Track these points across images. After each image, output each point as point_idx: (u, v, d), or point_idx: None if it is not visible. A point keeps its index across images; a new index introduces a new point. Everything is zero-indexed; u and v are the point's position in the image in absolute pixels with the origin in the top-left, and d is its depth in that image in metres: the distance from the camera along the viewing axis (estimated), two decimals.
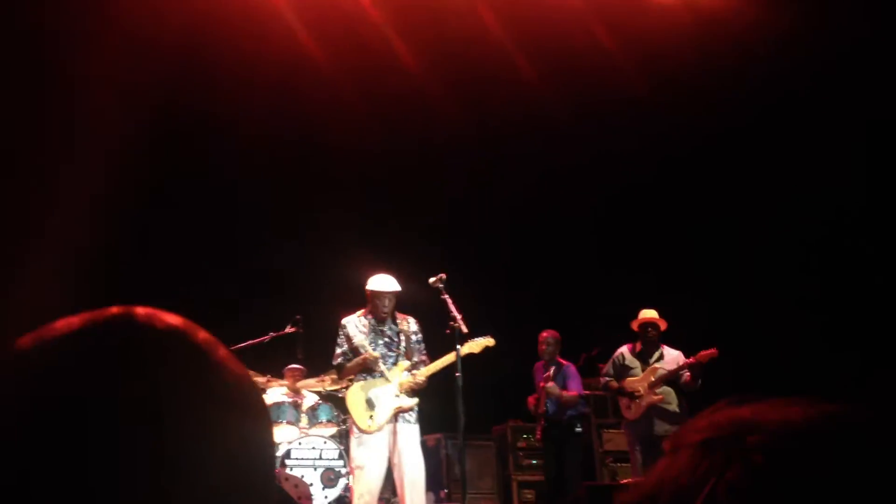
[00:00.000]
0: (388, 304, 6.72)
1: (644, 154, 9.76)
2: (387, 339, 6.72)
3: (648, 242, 10.33)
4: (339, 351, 6.74)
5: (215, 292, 9.91)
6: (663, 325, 7.92)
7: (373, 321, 6.76)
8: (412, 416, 6.65)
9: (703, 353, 7.56)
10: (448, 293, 6.67)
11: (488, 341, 6.77)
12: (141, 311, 0.72)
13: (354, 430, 6.60)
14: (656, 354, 7.86)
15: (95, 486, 0.63)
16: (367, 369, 6.64)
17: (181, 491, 0.65)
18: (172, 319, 0.73)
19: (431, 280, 6.73)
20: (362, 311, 6.84)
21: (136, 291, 9.52)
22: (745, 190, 9.95)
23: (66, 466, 0.63)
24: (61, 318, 0.80)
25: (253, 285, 10.15)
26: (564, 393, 8.03)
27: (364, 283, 6.83)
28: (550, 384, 7.98)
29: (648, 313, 7.95)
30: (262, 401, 0.75)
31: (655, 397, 7.64)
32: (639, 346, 7.96)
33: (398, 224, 9.87)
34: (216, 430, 0.68)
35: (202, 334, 0.73)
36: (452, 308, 6.60)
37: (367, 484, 6.39)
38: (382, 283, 6.74)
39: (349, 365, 6.67)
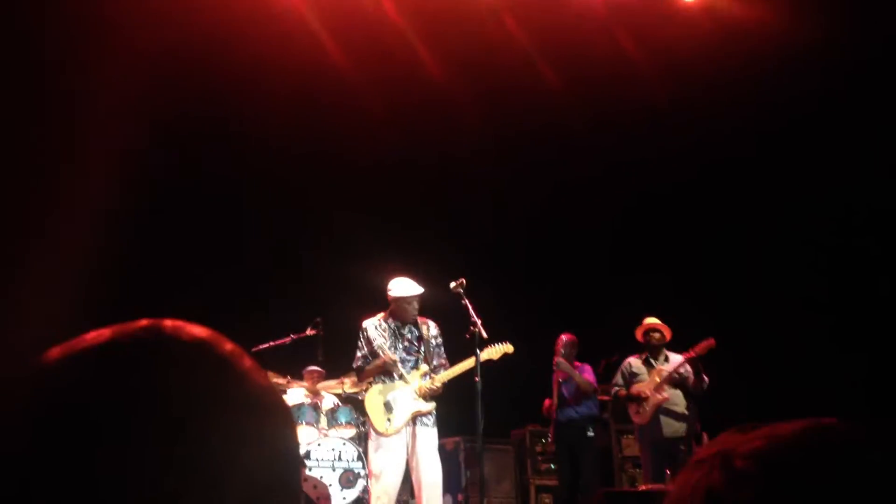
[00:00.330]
0: (415, 307, 6.78)
1: (662, 163, 9.79)
2: (406, 343, 6.78)
3: (666, 249, 10.35)
4: (359, 354, 6.80)
5: (237, 295, 10.00)
6: (667, 332, 8.02)
7: (393, 325, 6.82)
8: (430, 420, 6.70)
9: (699, 345, 7.63)
10: (468, 298, 6.72)
11: (507, 348, 6.81)
12: (169, 323, 0.74)
13: (372, 433, 6.66)
14: (661, 358, 7.96)
15: (126, 500, 0.64)
16: (387, 372, 6.70)
17: (210, 501, 0.66)
18: (199, 331, 0.74)
19: (452, 285, 6.77)
20: (383, 313, 6.89)
21: (158, 294, 9.63)
22: (761, 198, 9.97)
23: (95, 479, 0.64)
24: (83, 323, 0.83)
25: (274, 288, 10.23)
26: (577, 372, 8.12)
27: (384, 287, 6.88)
28: (563, 360, 8.07)
29: (651, 320, 8.07)
30: (287, 409, 0.77)
31: (661, 397, 7.73)
32: (644, 354, 8.08)
33: (419, 229, 9.93)
34: (243, 440, 0.69)
35: (228, 345, 0.74)
36: (473, 313, 6.65)
37: (384, 487, 6.45)
38: (407, 287, 6.78)
39: (368, 367, 6.73)
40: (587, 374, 8.29)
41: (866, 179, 9.52)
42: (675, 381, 7.80)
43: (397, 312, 6.79)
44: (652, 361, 8.00)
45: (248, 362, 0.75)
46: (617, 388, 8.15)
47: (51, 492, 0.64)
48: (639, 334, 8.09)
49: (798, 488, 0.74)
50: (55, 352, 0.72)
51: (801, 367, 9.50)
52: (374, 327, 6.80)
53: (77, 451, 0.65)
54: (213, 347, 0.73)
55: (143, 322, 0.74)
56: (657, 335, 8.00)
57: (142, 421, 0.66)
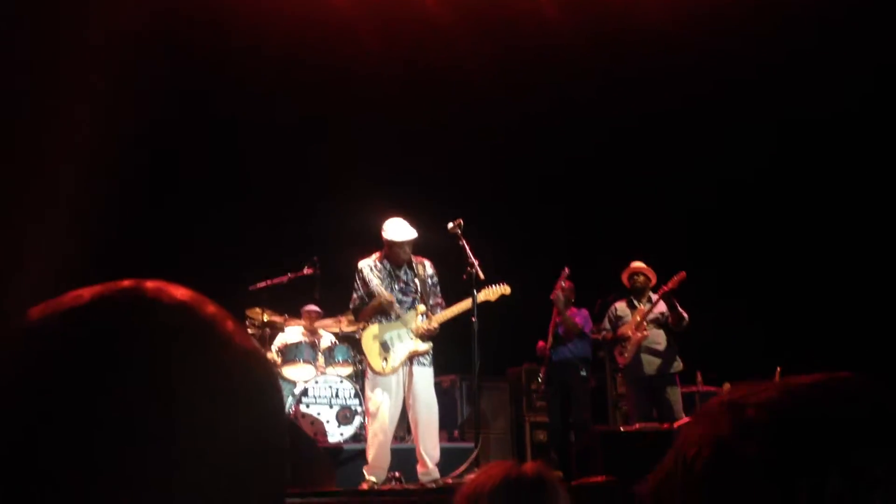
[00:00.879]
0: (407, 251, 6.77)
1: (665, 90, 9.62)
2: (402, 284, 6.79)
3: (670, 184, 10.30)
4: (355, 295, 6.82)
5: (234, 234, 9.99)
6: (652, 276, 8.07)
7: (388, 266, 6.82)
8: (427, 360, 6.75)
9: (671, 280, 7.68)
10: (465, 239, 6.71)
11: (504, 289, 6.83)
12: (150, 285, 0.72)
13: (369, 371, 6.72)
14: (645, 300, 8.02)
15: (101, 467, 0.63)
16: (383, 313, 6.73)
17: (191, 467, 0.65)
18: (181, 294, 0.72)
19: (449, 226, 6.76)
20: (378, 254, 6.89)
21: (157, 234, 9.63)
22: (760, 125, 9.87)
23: (78, 445, 0.63)
24: (82, 268, 0.82)
25: (271, 227, 10.22)
26: (567, 314, 8.15)
27: (380, 227, 6.87)
28: (560, 295, 8.11)
29: (636, 263, 8.13)
30: (272, 374, 0.75)
31: (640, 335, 7.80)
32: (629, 298, 8.15)
33: (416, 168, 9.87)
34: (227, 404, 0.68)
35: (210, 308, 0.72)
36: (469, 254, 6.65)
37: (381, 424, 6.53)
38: (399, 232, 6.75)
39: (365, 308, 6.76)
40: (580, 317, 8.32)
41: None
42: (657, 321, 7.85)
43: (391, 255, 6.79)
44: (635, 303, 8.06)
45: (230, 325, 0.73)
46: (604, 332, 8.26)
47: (18, 455, 0.63)
48: (624, 278, 8.16)
49: (811, 439, 0.72)
50: (35, 312, 0.70)
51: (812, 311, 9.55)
52: (370, 268, 6.80)
53: (58, 417, 0.64)
54: (195, 310, 0.72)
55: (125, 283, 0.72)
56: (641, 278, 8.06)
57: (123, 386, 0.65)
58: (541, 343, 8.41)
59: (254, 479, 0.69)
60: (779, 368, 8.43)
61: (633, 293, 8.12)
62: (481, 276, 6.59)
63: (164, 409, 0.65)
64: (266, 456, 0.71)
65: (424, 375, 6.72)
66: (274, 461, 0.72)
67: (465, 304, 6.68)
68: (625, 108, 9.79)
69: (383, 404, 6.55)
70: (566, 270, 8.25)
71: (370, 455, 6.52)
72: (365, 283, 6.76)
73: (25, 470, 0.63)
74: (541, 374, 8.34)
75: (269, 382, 0.74)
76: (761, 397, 0.77)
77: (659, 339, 7.85)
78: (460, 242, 6.71)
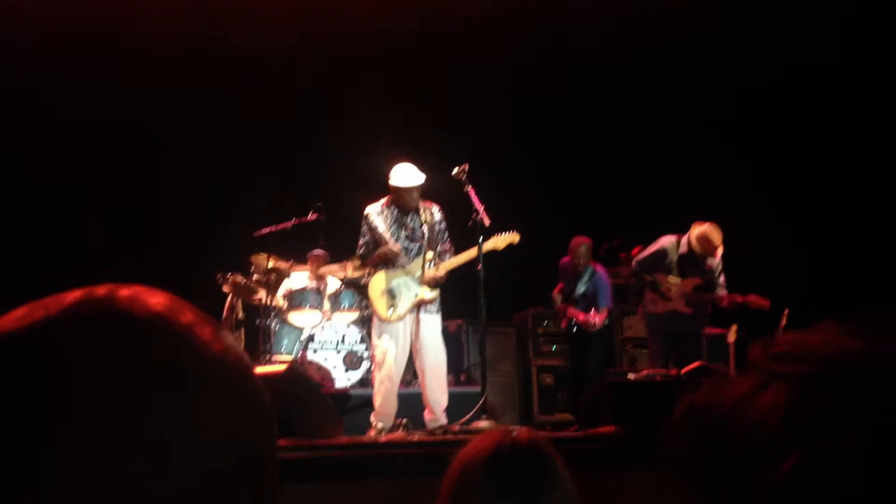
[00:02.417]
0: (415, 196, 6.68)
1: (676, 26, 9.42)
2: (409, 231, 6.72)
3: (674, 129, 10.16)
4: (361, 241, 6.77)
5: (239, 179, 9.93)
6: (721, 250, 7.56)
7: (396, 212, 6.75)
8: (434, 307, 6.72)
9: (754, 298, 7.43)
10: (471, 185, 6.62)
11: (513, 237, 6.74)
12: (124, 295, 0.68)
13: (375, 319, 6.70)
14: (704, 263, 7.62)
15: (86, 485, 0.61)
16: (390, 260, 6.68)
17: (180, 480, 0.63)
18: (156, 302, 0.69)
19: (455, 171, 6.66)
20: (385, 199, 6.81)
21: (162, 179, 9.58)
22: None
23: (52, 463, 0.61)
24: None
25: (276, 172, 10.14)
26: (596, 321, 8.07)
27: (386, 172, 6.78)
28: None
29: (716, 236, 7.45)
30: (254, 377, 0.72)
31: (685, 310, 7.58)
32: (685, 248, 7.66)
33: (421, 112, 9.72)
34: (208, 416, 0.66)
35: (187, 316, 0.69)
36: (475, 200, 6.56)
37: (387, 371, 6.52)
38: (407, 177, 6.66)
39: (372, 255, 6.71)
40: (603, 292, 8.16)
41: None
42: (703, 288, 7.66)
43: (398, 201, 6.71)
44: (689, 263, 7.64)
45: (208, 332, 0.69)
46: (642, 270, 7.82)
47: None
48: (699, 241, 7.52)
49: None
50: (8, 321, 0.66)
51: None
52: (377, 214, 6.73)
53: (29, 437, 0.61)
54: (170, 321, 0.68)
55: (99, 292, 0.68)
56: (712, 246, 7.49)
57: (97, 404, 0.62)
58: (558, 288, 8.39)
59: (239, 491, 0.67)
60: (786, 310, 8.39)
61: (691, 255, 7.60)
62: (487, 222, 6.51)
63: (143, 427, 0.62)
64: (254, 463, 0.68)
65: (432, 323, 6.70)
66: (259, 469, 0.69)
67: (472, 253, 6.61)
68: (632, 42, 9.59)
69: (390, 351, 6.55)
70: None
71: (377, 402, 6.54)
72: (372, 230, 6.70)
73: None
74: (562, 322, 8.32)
75: (251, 389, 0.71)
76: (832, 350, 0.67)
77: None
78: (466, 188, 6.61)
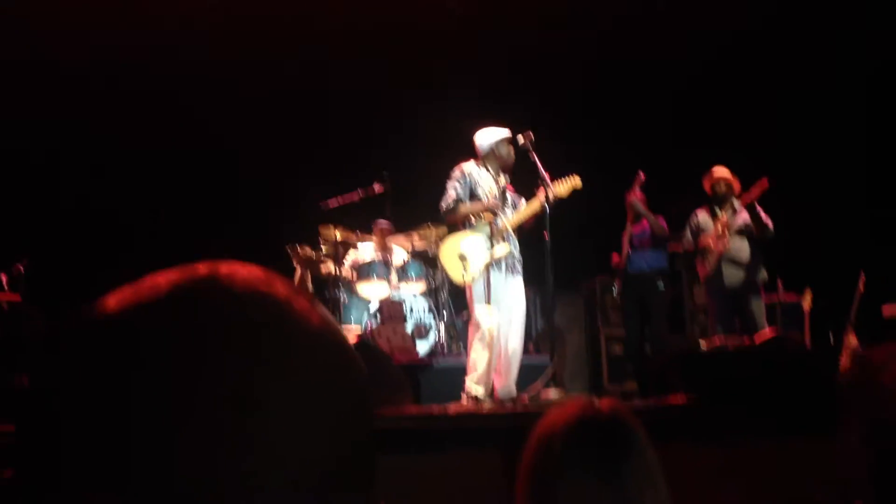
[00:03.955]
0: (511, 151, 6.68)
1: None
2: (500, 190, 6.71)
3: (751, 86, 9.90)
4: (454, 194, 6.62)
5: (305, 152, 10.00)
6: (736, 184, 7.76)
7: (493, 173, 6.73)
8: (517, 268, 6.66)
9: (752, 188, 7.41)
10: (535, 153, 6.55)
11: (575, 182, 6.61)
12: (223, 271, 0.71)
13: (473, 286, 6.54)
14: (728, 209, 7.73)
15: (182, 466, 0.63)
16: (472, 218, 6.61)
17: (274, 462, 0.65)
18: (253, 276, 0.71)
19: (520, 139, 6.60)
20: (475, 161, 6.78)
21: (232, 153, 9.71)
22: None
23: (159, 437, 0.63)
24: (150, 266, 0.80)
25: (341, 144, 10.18)
26: (651, 214, 8.02)
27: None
28: (636, 201, 7.97)
29: (720, 171, 7.83)
30: (348, 345, 0.74)
31: (722, 246, 7.60)
32: (710, 206, 7.89)
33: (485, 79, 9.64)
34: (310, 384, 0.68)
35: (282, 288, 0.72)
36: (541, 167, 6.50)
37: (487, 337, 6.36)
38: (500, 130, 6.69)
39: (463, 208, 6.59)
40: (661, 221, 8.15)
41: None
42: (740, 231, 7.62)
43: (499, 158, 6.68)
44: (717, 211, 7.80)
45: (305, 304, 0.72)
46: (685, 242, 8.02)
47: (99, 453, 0.63)
48: (706, 185, 7.88)
49: None
50: (112, 302, 0.69)
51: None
52: (478, 172, 6.70)
53: (141, 411, 0.64)
54: (270, 293, 0.71)
55: (200, 269, 0.72)
56: (723, 186, 7.77)
57: (206, 383, 0.65)
58: (615, 256, 8.29)
59: (339, 468, 0.69)
60: (863, 275, 8.19)
61: (715, 201, 7.84)
62: (555, 191, 6.45)
63: (248, 401, 0.65)
64: (351, 433, 0.71)
65: (516, 284, 6.64)
66: (360, 436, 0.72)
67: (536, 205, 6.53)
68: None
69: (489, 317, 6.45)
70: (641, 175, 8.05)
71: (479, 368, 6.38)
72: (474, 185, 6.63)
73: (107, 465, 0.63)
74: (616, 286, 8.23)
75: (350, 358, 0.73)
76: None
77: (742, 249, 7.63)
78: (531, 156, 6.55)
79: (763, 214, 7.51)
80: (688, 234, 8.02)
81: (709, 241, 7.72)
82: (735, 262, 7.60)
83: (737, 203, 7.70)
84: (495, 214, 6.59)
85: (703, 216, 7.93)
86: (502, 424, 4.65)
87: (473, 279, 6.49)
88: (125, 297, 0.69)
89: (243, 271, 0.71)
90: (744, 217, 7.60)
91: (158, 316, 0.67)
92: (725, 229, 7.62)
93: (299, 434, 0.66)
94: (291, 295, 0.72)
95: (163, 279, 0.70)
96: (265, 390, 0.65)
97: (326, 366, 0.70)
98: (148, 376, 0.64)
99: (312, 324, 0.71)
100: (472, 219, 6.64)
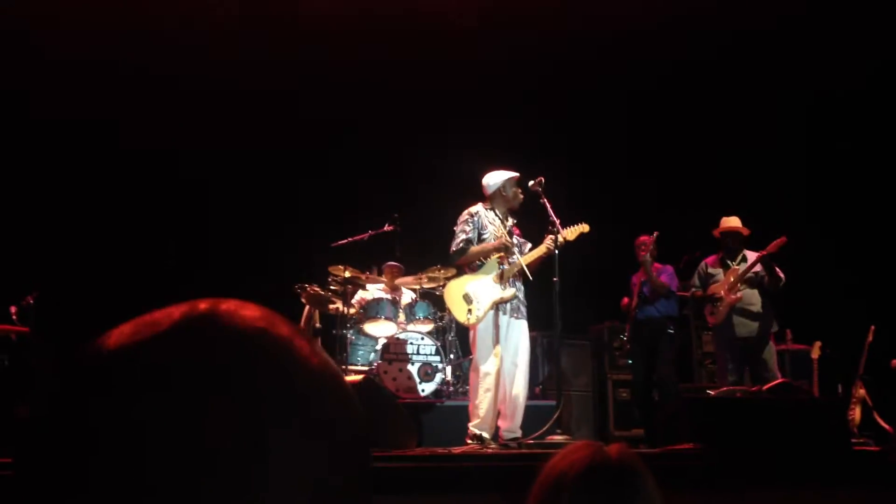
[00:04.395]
0: (518, 193, 6.72)
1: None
2: (508, 233, 6.73)
3: (759, 135, 9.96)
4: (464, 237, 6.64)
5: (318, 193, 10.06)
6: (745, 233, 7.80)
7: (500, 216, 6.75)
8: (522, 312, 6.63)
9: (771, 244, 7.41)
10: (546, 197, 6.60)
11: (583, 227, 6.67)
12: (225, 309, 0.71)
13: (476, 328, 6.53)
14: (738, 258, 7.76)
15: (191, 490, 0.63)
16: (483, 259, 6.62)
17: (282, 489, 0.65)
18: (255, 316, 0.72)
19: (531, 184, 6.66)
20: (482, 204, 6.80)
21: (244, 190, 9.77)
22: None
23: (161, 471, 0.63)
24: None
25: (352, 184, 10.24)
26: (655, 274, 7.97)
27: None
28: (648, 257, 7.94)
29: (730, 222, 7.86)
30: (349, 391, 0.75)
31: (734, 297, 7.57)
32: (721, 254, 7.90)
33: (496, 126, 9.71)
34: (309, 424, 0.68)
35: (284, 329, 0.72)
36: (551, 212, 6.54)
37: (490, 379, 6.38)
38: (505, 172, 6.72)
39: (474, 249, 6.61)
40: (666, 275, 8.10)
41: None
42: (750, 280, 7.59)
43: (506, 199, 6.72)
44: (728, 262, 7.80)
45: (306, 345, 0.73)
46: (693, 290, 8.03)
47: (112, 482, 0.63)
48: (716, 234, 7.91)
49: None
50: (116, 336, 0.70)
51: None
52: (484, 213, 6.72)
53: (141, 444, 0.64)
54: (271, 334, 0.71)
55: (202, 306, 0.72)
56: (735, 236, 7.79)
57: (206, 417, 0.65)
58: (625, 300, 8.26)
59: (340, 498, 0.70)
60: (872, 327, 8.16)
61: (725, 250, 7.86)
62: (563, 235, 6.48)
63: (251, 440, 0.65)
64: (350, 472, 0.71)
65: (519, 327, 6.62)
66: (357, 476, 0.72)
67: (543, 249, 6.55)
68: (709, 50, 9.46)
69: (492, 360, 6.43)
70: (656, 235, 8.03)
71: (480, 411, 6.35)
72: (482, 227, 6.66)
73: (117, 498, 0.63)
74: (626, 332, 8.19)
75: (348, 400, 0.74)
76: None
77: (753, 299, 7.60)
78: (542, 200, 6.59)
79: (777, 269, 7.49)
80: (696, 280, 8.02)
81: (719, 290, 7.69)
82: (746, 312, 7.57)
83: (748, 252, 7.70)
84: (507, 254, 6.60)
85: (712, 263, 7.94)
86: (507, 467, 4.61)
87: (478, 319, 6.49)
88: (125, 333, 0.70)
89: (246, 309, 0.72)
90: (755, 268, 7.58)
91: (158, 351, 0.68)
92: (738, 281, 7.58)
93: (298, 470, 0.67)
94: (292, 334, 0.72)
95: (162, 315, 0.71)
96: (264, 428, 0.66)
97: (326, 404, 0.71)
98: (146, 411, 0.65)
99: (312, 363, 0.72)
100: (481, 260, 6.65)
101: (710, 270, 7.91)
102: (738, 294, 7.56)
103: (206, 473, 0.63)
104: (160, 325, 0.69)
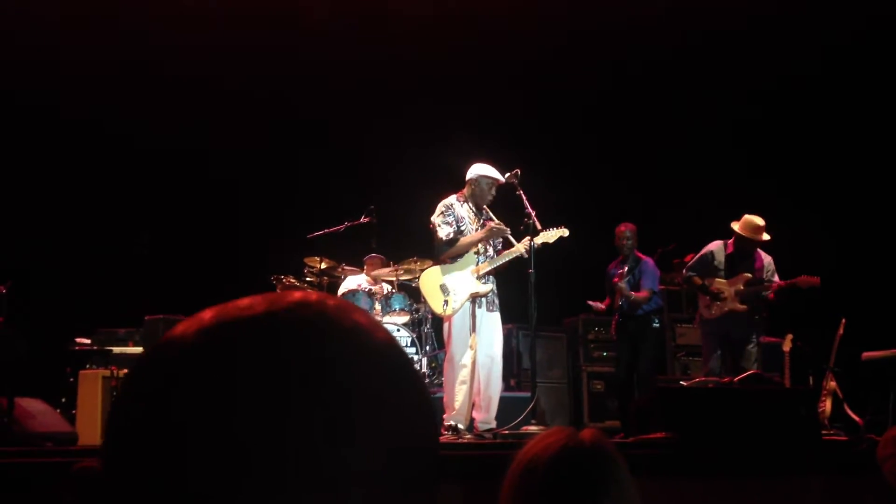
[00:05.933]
0: (494, 192, 6.71)
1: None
2: (481, 226, 6.71)
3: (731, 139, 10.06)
4: (448, 230, 6.64)
5: (292, 183, 10.04)
6: (767, 239, 7.49)
7: (473, 208, 6.75)
8: (495, 305, 6.65)
9: (805, 278, 7.29)
10: (522, 189, 6.63)
11: (562, 232, 6.69)
12: (332, 304, 0.74)
13: (451, 319, 6.55)
14: (750, 260, 7.53)
15: (291, 472, 0.65)
16: (462, 252, 6.63)
17: (374, 467, 0.68)
18: (357, 317, 0.74)
19: (506, 176, 6.68)
20: (457, 195, 6.80)
21: (221, 183, 9.73)
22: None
23: (265, 451, 0.64)
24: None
25: (328, 176, 10.22)
26: (634, 294, 7.86)
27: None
28: (622, 283, 7.84)
29: (755, 222, 7.42)
30: (430, 400, 0.78)
31: (740, 307, 7.43)
32: (731, 247, 7.59)
33: (473, 116, 9.73)
34: (394, 411, 0.71)
35: (381, 334, 0.75)
36: (527, 204, 6.57)
37: (465, 371, 6.40)
38: (492, 170, 6.71)
39: (462, 241, 6.61)
40: (647, 277, 7.90)
41: None
42: (751, 281, 7.49)
43: (476, 193, 6.70)
44: (738, 261, 7.56)
45: (401, 353, 0.76)
46: (692, 275, 7.70)
47: (211, 461, 0.64)
48: (743, 229, 7.47)
49: None
50: (207, 316, 0.71)
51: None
52: (460, 205, 6.72)
53: (240, 420, 0.65)
54: (369, 334, 0.73)
55: (306, 297, 0.74)
56: (754, 241, 7.46)
57: (312, 390, 0.67)
58: (594, 304, 8.19)
59: (414, 472, 0.72)
60: (843, 321, 8.24)
61: (738, 248, 7.55)
62: (538, 226, 6.51)
63: (342, 427, 0.67)
64: (428, 436, 0.75)
65: (493, 320, 6.64)
66: (433, 439, 0.77)
67: (522, 246, 6.57)
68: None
69: (467, 352, 6.41)
70: (621, 229, 7.99)
71: (456, 402, 6.37)
72: (458, 220, 6.66)
73: (199, 486, 0.64)
74: (612, 326, 8.13)
75: (420, 380, 0.77)
76: None
77: (754, 306, 7.52)
78: (518, 192, 6.62)
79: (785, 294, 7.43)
80: (697, 264, 7.73)
81: (724, 289, 7.50)
82: (746, 317, 7.50)
83: (761, 255, 7.55)
84: (500, 235, 6.62)
85: (719, 254, 7.63)
86: (481, 456, 4.64)
87: (454, 311, 6.51)
88: (242, 305, 0.71)
89: (351, 309, 0.75)
90: (760, 271, 7.48)
91: (270, 325, 0.70)
92: (748, 290, 7.46)
93: (386, 450, 0.69)
94: (387, 340, 0.75)
95: (279, 297, 0.73)
96: (353, 426, 0.68)
97: (406, 387, 0.74)
98: (240, 392, 0.66)
99: (404, 371, 0.75)
100: (458, 252, 6.66)
101: (717, 262, 7.62)
102: (745, 307, 7.42)
103: (301, 458, 0.65)
104: (273, 305, 0.71)
